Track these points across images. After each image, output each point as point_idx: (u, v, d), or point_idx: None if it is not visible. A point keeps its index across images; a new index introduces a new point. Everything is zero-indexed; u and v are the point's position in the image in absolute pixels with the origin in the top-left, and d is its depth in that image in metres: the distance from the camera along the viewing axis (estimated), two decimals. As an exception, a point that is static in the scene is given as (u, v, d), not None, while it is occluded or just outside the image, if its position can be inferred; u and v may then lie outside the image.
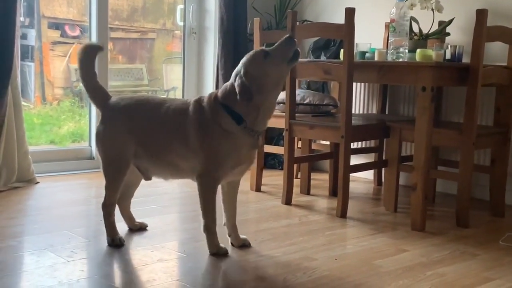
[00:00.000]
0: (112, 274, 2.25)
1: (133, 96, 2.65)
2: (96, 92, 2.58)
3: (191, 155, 2.42)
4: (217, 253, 2.45)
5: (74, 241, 2.57)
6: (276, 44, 2.39)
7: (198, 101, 2.45)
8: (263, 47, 2.47)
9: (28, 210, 3.14)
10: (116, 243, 2.54)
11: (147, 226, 2.82)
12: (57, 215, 2.98)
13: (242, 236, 2.62)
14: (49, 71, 5.30)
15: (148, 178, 2.63)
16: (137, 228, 2.79)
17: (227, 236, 2.61)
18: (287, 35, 2.41)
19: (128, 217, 2.80)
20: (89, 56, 2.58)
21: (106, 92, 2.62)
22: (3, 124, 3.44)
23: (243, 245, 2.60)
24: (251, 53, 2.41)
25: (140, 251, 2.49)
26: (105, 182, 2.57)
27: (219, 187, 2.50)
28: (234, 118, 2.36)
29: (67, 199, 3.28)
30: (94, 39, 4.14)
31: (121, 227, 2.71)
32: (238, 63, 2.43)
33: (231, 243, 2.60)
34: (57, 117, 5.31)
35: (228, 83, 2.42)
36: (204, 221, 2.45)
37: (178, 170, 2.52)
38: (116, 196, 2.60)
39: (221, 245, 2.49)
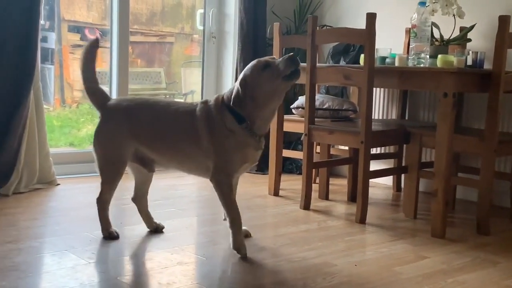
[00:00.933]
0: (132, 276, 2.26)
1: (133, 98, 2.70)
2: (95, 93, 2.65)
3: (200, 154, 2.50)
4: (239, 250, 2.48)
5: (94, 243, 2.59)
6: (280, 58, 2.44)
7: (205, 103, 2.54)
8: (269, 58, 2.51)
9: (49, 212, 3.17)
10: (113, 236, 2.64)
11: (163, 228, 2.84)
12: (77, 217, 3.01)
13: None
14: (68, 74, 5.35)
15: (151, 170, 2.71)
16: (154, 229, 2.81)
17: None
18: (291, 54, 2.44)
19: (146, 215, 2.83)
20: (89, 58, 2.62)
21: (106, 94, 2.70)
22: (25, 126, 3.48)
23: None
24: (254, 61, 2.48)
25: (160, 253, 2.50)
26: (100, 179, 2.64)
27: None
28: (236, 118, 2.44)
29: (87, 201, 3.29)
30: (115, 42, 4.17)
31: (140, 229, 2.73)
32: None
33: None
34: (76, 120, 5.36)
35: (235, 85, 2.49)
36: (229, 216, 2.50)
37: (186, 168, 2.63)
38: (111, 193, 2.67)
39: (243, 248, 2.51)
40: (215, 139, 2.47)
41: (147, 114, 2.59)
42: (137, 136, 2.58)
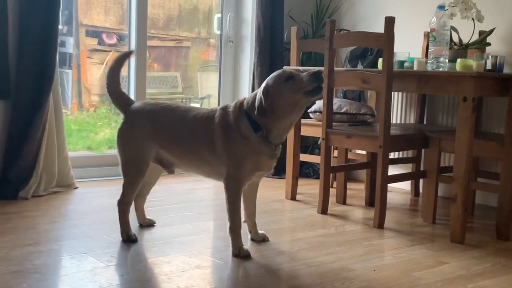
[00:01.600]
0: (151, 280, 2.27)
1: (157, 102, 2.74)
2: (119, 96, 2.72)
3: (215, 159, 2.53)
4: (239, 254, 2.53)
5: (113, 246, 2.61)
6: (305, 72, 2.43)
7: (224, 108, 2.56)
8: (293, 69, 2.51)
9: (68, 215, 3.19)
10: (132, 239, 2.68)
11: (155, 223, 2.97)
12: (96, 220, 3.03)
13: (260, 232, 2.79)
14: (86, 78, 5.39)
15: (171, 172, 2.76)
16: (147, 225, 2.94)
17: (248, 232, 2.75)
18: (318, 70, 2.42)
19: (141, 213, 2.95)
20: (118, 66, 2.73)
21: (129, 98, 2.78)
22: (45, 129, 3.51)
23: (263, 240, 2.77)
24: (278, 71, 2.48)
25: (178, 257, 2.50)
26: (123, 181, 2.68)
27: None
28: (252, 126, 2.45)
29: (106, 204, 3.33)
30: (132, 47, 4.20)
31: (158, 232, 2.73)
32: (274, 71, 2.51)
33: (252, 238, 2.77)
34: (94, 124, 5.40)
35: (255, 92, 2.50)
36: (229, 223, 2.55)
37: (203, 172, 2.68)
38: (133, 195, 2.72)
39: (244, 247, 2.55)
40: (229, 145, 2.48)
41: (168, 118, 2.63)
42: (158, 139, 2.63)
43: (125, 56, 2.78)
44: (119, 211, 2.69)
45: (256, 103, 2.42)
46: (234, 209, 2.53)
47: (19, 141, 3.44)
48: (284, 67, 2.51)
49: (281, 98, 2.40)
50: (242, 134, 2.47)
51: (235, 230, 2.54)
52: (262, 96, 2.41)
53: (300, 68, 2.58)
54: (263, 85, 2.45)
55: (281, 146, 2.57)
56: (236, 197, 2.53)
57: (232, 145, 2.48)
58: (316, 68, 2.44)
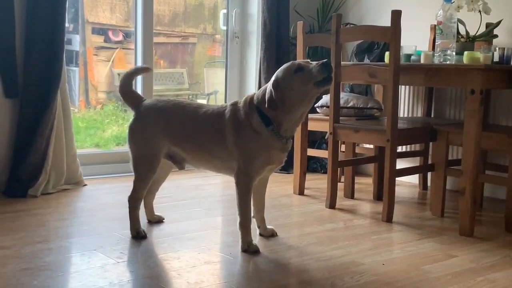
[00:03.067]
0: (161, 276, 2.28)
1: (169, 99, 2.76)
2: (130, 94, 2.76)
3: (226, 155, 2.55)
4: (248, 249, 2.54)
5: (122, 243, 2.62)
6: (314, 63, 2.43)
7: (235, 104, 2.58)
8: (302, 61, 2.50)
9: (77, 212, 3.21)
10: (141, 235, 2.69)
11: (164, 219, 2.99)
12: (105, 217, 3.04)
13: (269, 227, 2.80)
14: (93, 76, 5.40)
15: (182, 168, 2.77)
16: (156, 221, 2.96)
17: (256, 227, 2.77)
18: (325, 60, 2.42)
19: (150, 210, 2.96)
20: (134, 74, 2.84)
21: (140, 95, 2.81)
22: (53, 127, 3.52)
23: (272, 235, 2.78)
24: (287, 63, 2.49)
25: (187, 253, 2.51)
26: (134, 176, 2.70)
27: None
28: (263, 120, 2.46)
29: (115, 201, 3.34)
30: (139, 44, 4.20)
31: (168, 228, 2.74)
32: (280, 66, 2.51)
33: (260, 233, 2.78)
34: (101, 121, 5.41)
35: (265, 86, 2.51)
36: (239, 218, 2.56)
37: (214, 167, 2.69)
38: (144, 191, 2.74)
39: (253, 243, 2.56)
40: (240, 140, 2.49)
41: (180, 115, 2.65)
42: (170, 135, 2.65)
43: (143, 70, 2.95)
44: (130, 207, 2.70)
45: (267, 96, 2.43)
46: (245, 204, 2.55)
47: (28, 139, 3.46)
48: (292, 61, 2.50)
49: (291, 89, 2.41)
50: (253, 129, 2.48)
51: (245, 225, 2.55)
52: (272, 89, 2.41)
53: (308, 60, 2.58)
54: (273, 78, 2.46)
55: (292, 140, 2.58)
56: (247, 192, 2.54)
57: (243, 140, 2.49)
58: (325, 59, 2.43)
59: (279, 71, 2.47)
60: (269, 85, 2.45)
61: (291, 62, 2.48)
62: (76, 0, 4.58)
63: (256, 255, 2.51)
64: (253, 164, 2.49)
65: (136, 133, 2.68)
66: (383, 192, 3.14)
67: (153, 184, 2.85)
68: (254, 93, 2.56)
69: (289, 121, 2.48)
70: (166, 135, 2.64)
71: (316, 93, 2.46)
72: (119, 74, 4.95)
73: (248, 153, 2.49)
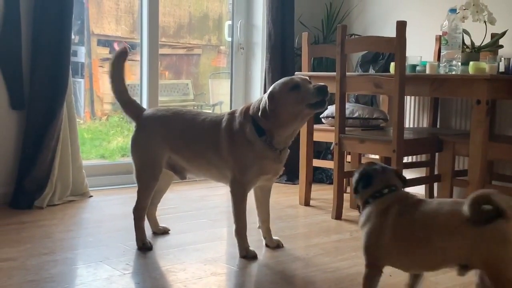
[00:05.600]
0: (167, 287, 2.27)
1: (169, 108, 2.78)
2: (129, 105, 2.74)
3: (222, 163, 2.57)
4: (247, 255, 2.57)
5: (128, 254, 2.61)
6: (312, 84, 2.45)
7: (232, 113, 2.60)
8: (300, 79, 2.50)
9: (83, 223, 3.21)
10: (147, 247, 2.68)
11: (169, 230, 2.98)
12: (111, 228, 3.04)
13: (275, 238, 2.78)
14: (98, 87, 5.43)
15: (183, 178, 2.78)
16: (161, 232, 2.94)
17: (262, 238, 2.76)
18: (323, 85, 2.43)
19: (153, 221, 2.95)
20: (116, 68, 2.68)
21: (139, 105, 2.81)
22: (59, 139, 3.53)
23: (277, 246, 2.76)
24: (286, 78, 2.51)
25: (193, 264, 2.51)
26: (138, 187, 2.70)
27: (253, 192, 2.67)
28: (257, 130, 2.49)
29: (120, 212, 3.34)
30: (144, 55, 4.22)
31: (173, 239, 2.73)
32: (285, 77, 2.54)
33: (266, 244, 2.77)
34: (107, 132, 5.43)
35: (261, 97, 2.54)
36: (235, 225, 2.59)
37: (212, 176, 2.71)
38: (148, 201, 2.74)
39: (251, 248, 2.58)
40: (234, 149, 2.52)
41: (179, 122, 2.67)
42: (170, 143, 2.66)
43: (119, 57, 2.67)
44: (135, 218, 2.70)
45: (261, 105, 2.46)
46: (240, 212, 2.57)
47: (34, 150, 3.46)
48: (296, 73, 2.51)
49: (285, 106, 2.43)
50: (246, 138, 2.50)
51: (241, 232, 2.58)
52: (267, 100, 2.44)
53: (310, 75, 2.59)
54: (270, 89, 2.49)
55: (288, 150, 2.59)
56: (241, 201, 2.56)
57: (237, 149, 2.51)
58: (322, 83, 2.45)
59: (276, 84, 2.49)
60: (265, 95, 2.48)
61: (289, 78, 2.50)
62: (82, 12, 4.61)
63: (254, 261, 2.54)
64: (246, 173, 2.51)
65: (138, 143, 2.70)
66: (389, 203, 3.12)
67: (155, 195, 2.85)
68: (251, 103, 2.59)
69: (280, 135, 2.50)
70: (166, 142, 2.66)
71: (308, 114, 2.49)
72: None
73: (241, 162, 2.51)
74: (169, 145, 2.66)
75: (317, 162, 3.95)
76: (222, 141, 2.55)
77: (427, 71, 3.20)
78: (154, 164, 2.68)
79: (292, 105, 2.43)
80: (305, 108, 2.43)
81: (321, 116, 3.87)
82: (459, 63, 3.09)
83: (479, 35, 3.33)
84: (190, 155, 2.66)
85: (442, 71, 3.10)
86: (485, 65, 3.00)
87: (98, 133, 5.42)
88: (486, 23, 3.29)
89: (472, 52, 3.28)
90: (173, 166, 2.72)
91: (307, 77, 2.57)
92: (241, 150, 2.51)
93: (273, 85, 2.50)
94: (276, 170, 2.59)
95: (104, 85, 5.41)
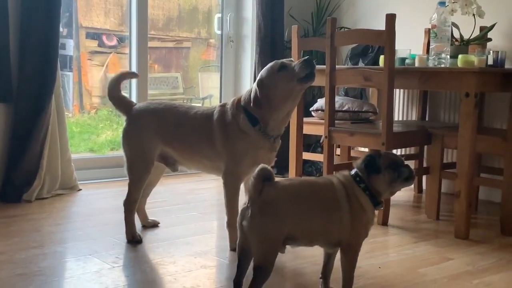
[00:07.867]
0: (157, 280, 2.27)
1: (160, 101, 2.79)
2: (120, 100, 2.76)
3: (215, 155, 2.57)
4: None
5: (118, 247, 2.61)
6: (297, 61, 2.46)
7: (223, 106, 2.61)
8: (286, 60, 2.53)
9: (72, 217, 3.19)
10: (136, 240, 2.69)
11: (159, 224, 2.98)
12: (100, 222, 3.03)
13: None
14: (87, 81, 5.39)
15: (175, 170, 2.79)
16: (151, 226, 2.95)
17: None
18: (307, 57, 2.47)
19: (142, 214, 2.95)
20: (121, 78, 2.79)
21: (130, 100, 2.83)
22: (47, 132, 3.51)
23: None
24: (271, 63, 2.52)
25: (183, 257, 2.51)
26: (129, 179, 2.70)
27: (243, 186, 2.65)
28: (250, 120, 2.49)
29: (109, 206, 3.33)
30: (133, 48, 4.20)
31: (163, 232, 2.73)
32: None
33: None
34: (95, 126, 5.40)
35: (251, 87, 2.54)
36: (227, 217, 2.59)
37: (204, 168, 2.72)
38: (139, 193, 2.74)
39: None
40: (228, 141, 2.53)
41: (171, 116, 2.67)
42: (162, 136, 2.67)
43: (129, 75, 3.01)
44: (125, 211, 2.70)
45: (252, 95, 2.47)
46: (232, 204, 2.57)
47: (22, 144, 3.44)
48: (275, 60, 2.52)
49: (276, 88, 2.44)
50: (240, 129, 2.51)
51: (232, 225, 2.57)
52: (257, 88, 2.45)
53: (291, 59, 2.61)
54: (258, 77, 2.50)
55: (280, 139, 2.59)
56: (234, 192, 2.56)
57: (230, 141, 2.52)
58: (307, 56, 2.47)
59: (263, 71, 2.51)
60: (254, 85, 2.49)
61: (274, 61, 2.51)
62: (70, 5, 4.58)
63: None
64: (240, 164, 2.52)
65: (130, 135, 2.70)
66: (379, 196, 3.14)
67: (145, 188, 2.84)
68: (242, 95, 2.59)
69: (275, 120, 2.50)
70: (158, 135, 2.66)
71: (300, 90, 2.49)
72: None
73: (235, 153, 2.52)
74: (162, 138, 2.67)
75: (306, 155, 3.95)
76: (215, 133, 2.55)
77: (416, 64, 3.20)
78: (146, 157, 2.68)
79: (283, 84, 2.43)
80: (296, 84, 2.43)
81: (310, 109, 3.87)
82: (448, 56, 3.11)
83: (468, 28, 3.35)
84: (182, 147, 2.66)
85: (431, 64, 3.11)
86: (474, 58, 3.01)
87: (87, 126, 5.39)
88: (475, 16, 3.31)
89: (461, 45, 3.29)
90: (165, 158, 2.73)
91: (290, 58, 2.59)
92: (235, 141, 2.51)
93: (260, 73, 2.52)
94: (270, 159, 2.59)
95: (93, 78, 5.38)
